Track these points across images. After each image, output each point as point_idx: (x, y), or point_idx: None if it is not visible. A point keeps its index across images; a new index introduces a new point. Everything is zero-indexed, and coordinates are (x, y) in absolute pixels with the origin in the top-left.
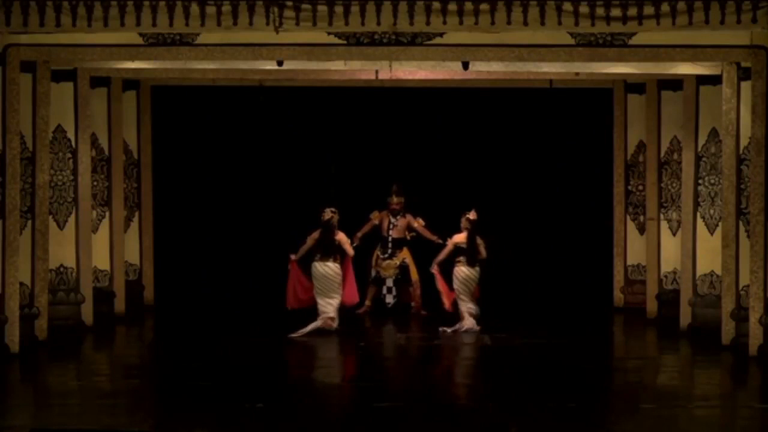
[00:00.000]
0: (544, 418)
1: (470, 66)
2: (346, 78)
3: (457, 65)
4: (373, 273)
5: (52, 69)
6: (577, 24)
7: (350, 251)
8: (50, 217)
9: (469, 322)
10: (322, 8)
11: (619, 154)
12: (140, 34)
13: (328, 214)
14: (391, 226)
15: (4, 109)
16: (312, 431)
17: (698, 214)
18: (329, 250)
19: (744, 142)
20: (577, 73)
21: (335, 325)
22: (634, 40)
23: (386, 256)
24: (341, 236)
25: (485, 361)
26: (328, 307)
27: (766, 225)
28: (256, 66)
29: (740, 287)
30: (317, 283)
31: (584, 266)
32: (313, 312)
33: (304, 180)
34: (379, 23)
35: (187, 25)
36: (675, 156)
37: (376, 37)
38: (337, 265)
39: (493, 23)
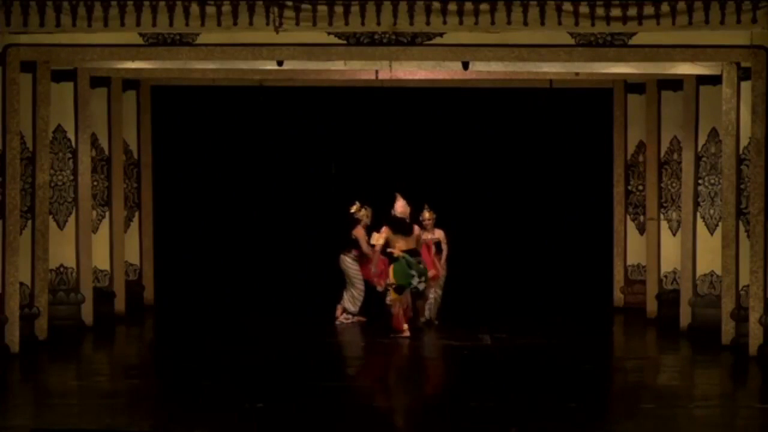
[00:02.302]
0: (544, 418)
1: (470, 66)
2: (346, 78)
3: (457, 65)
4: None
5: (52, 69)
6: (577, 24)
7: (366, 248)
8: (50, 217)
9: None
10: (322, 8)
11: (619, 154)
12: (140, 34)
13: (354, 207)
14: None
15: (4, 109)
16: (312, 431)
17: (698, 214)
18: (346, 243)
19: (744, 142)
20: (577, 73)
21: (352, 319)
22: (634, 40)
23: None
24: (357, 232)
25: (485, 361)
26: (351, 302)
27: (766, 225)
28: (256, 66)
29: (740, 287)
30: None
31: (584, 266)
32: None
33: (304, 180)
34: (379, 23)
35: (187, 25)
36: (675, 156)
37: (376, 37)
38: (349, 259)
39: (493, 23)
